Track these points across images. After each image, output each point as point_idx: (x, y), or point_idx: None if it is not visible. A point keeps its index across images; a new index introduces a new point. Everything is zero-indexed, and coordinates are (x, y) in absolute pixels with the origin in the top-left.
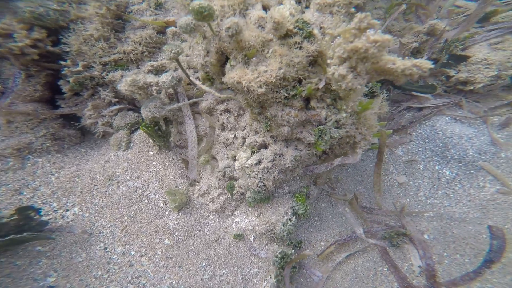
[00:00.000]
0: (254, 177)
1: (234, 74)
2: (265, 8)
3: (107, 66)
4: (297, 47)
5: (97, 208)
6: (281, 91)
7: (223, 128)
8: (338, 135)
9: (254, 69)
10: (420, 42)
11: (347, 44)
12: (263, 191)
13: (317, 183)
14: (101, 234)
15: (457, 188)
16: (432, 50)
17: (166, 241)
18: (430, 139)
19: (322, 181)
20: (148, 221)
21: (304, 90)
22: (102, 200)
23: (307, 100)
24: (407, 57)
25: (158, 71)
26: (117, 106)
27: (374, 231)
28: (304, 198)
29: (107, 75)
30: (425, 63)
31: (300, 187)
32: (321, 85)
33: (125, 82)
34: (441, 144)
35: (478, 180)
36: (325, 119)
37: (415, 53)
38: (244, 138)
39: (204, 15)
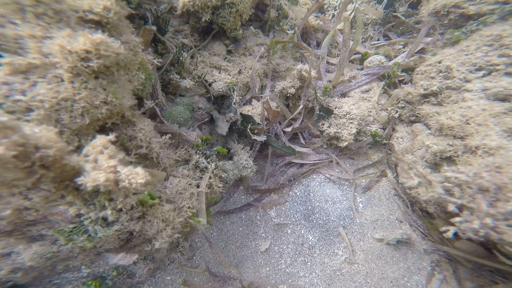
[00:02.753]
0: None
1: None
2: None
3: None
4: None
5: None
6: None
7: None
8: (104, 235)
9: None
10: (296, 88)
11: None
12: None
13: (155, 257)
14: None
15: (315, 255)
16: (307, 97)
17: None
18: (302, 201)
19: (161, 255)
20: None
21: None
22: None
23: None
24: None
25: None
26: None
27: None
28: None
29: None
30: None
31: (111, 268)
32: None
33: None
34: (310, 207)
35: (334, 247)
36: (79, 216)
37: (297, 98)
38: None
39: None
